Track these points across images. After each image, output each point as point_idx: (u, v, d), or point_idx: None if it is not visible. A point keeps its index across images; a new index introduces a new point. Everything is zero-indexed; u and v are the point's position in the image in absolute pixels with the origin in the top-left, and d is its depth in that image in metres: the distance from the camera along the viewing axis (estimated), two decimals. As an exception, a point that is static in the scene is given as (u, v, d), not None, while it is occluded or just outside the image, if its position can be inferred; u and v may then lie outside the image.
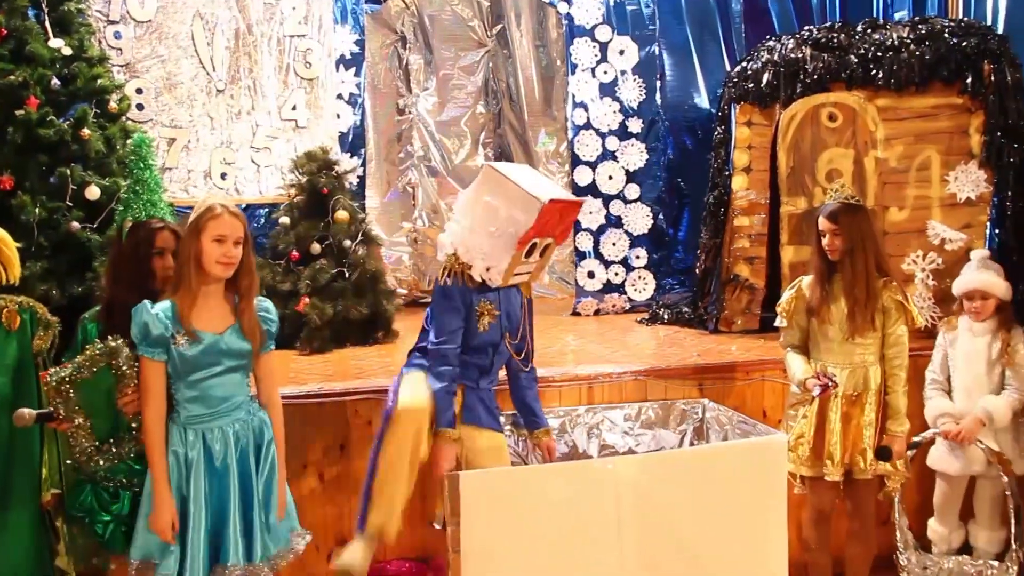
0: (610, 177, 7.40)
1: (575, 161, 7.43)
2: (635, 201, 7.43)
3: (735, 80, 6.34)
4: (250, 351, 3.30)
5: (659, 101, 7.55)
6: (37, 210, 4.84)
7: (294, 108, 6.99)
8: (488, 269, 3.71)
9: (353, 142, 7.41)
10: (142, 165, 3.59)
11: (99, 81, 5.35)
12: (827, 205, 4.15)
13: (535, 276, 3.98)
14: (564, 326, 6.92)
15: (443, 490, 3.62)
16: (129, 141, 3.72)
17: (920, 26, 5.82)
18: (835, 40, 5.94)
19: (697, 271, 6.69)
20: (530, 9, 8.30)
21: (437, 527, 3.71)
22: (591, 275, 7.42)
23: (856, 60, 5.80)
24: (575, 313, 7.38)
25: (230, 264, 3.21)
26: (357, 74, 7.42)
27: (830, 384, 4.00)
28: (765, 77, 6.03)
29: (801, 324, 4.26)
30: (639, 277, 7.45)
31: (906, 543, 4.63)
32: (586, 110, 7.41)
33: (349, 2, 7.35)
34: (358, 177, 7.15)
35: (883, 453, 4.07)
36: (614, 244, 7.42)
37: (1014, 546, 4.40)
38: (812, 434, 4.16)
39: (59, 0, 5.38)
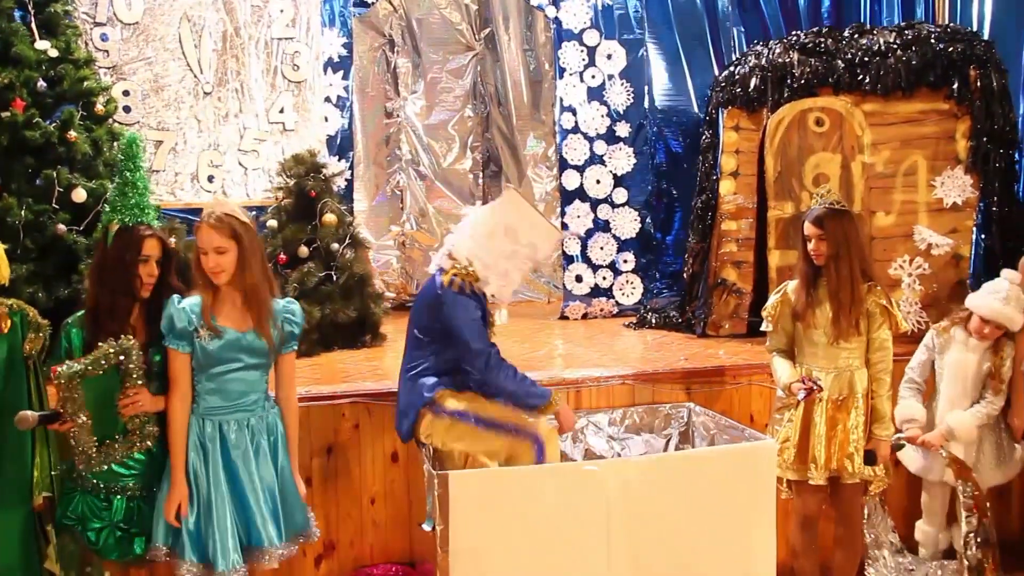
0: (598, 181, 7.40)
1: (563, 165, 7.44)
2: (623, 205, 7.44)
3: (723, 84, 6.36)
4: (267, 351, 3.42)
5: (647, 105, 7.55)
6: (23, 212, 4.83)
7: (282, 111, 6.97)
8: (502, 287, 3.86)
9: (341, 145, 7.40)
10: (131, 166, 3.53)
11: (86, 83, 5.34)
12: (812, 210, 4.16)
13: None
14: (552, 330, 6.92)
15: (432, 490, 3.63)
16: (119, 140, 3.66)
17: (907, 31, 5.85)
18: (822, 45, 5.97)
19: (685, 275, 6.70)
20: (518, 13, 8.32)
21: (426, 529, 3.71)
22: (579, 279, 7.42)
23: (843, 65, 5.82)
24: (563, 317, 7.38)
25: (218, 273, 3.32)
26: (345, 77, 7.41)
27: (815, 388, 4.00)
28: (753, 82, 6.05)
29: (787, 328, 4.27)
30: (627, 281, 7.46)
31: (879, 544, 4.63)
32: (574, 114, 7.41)
33: (337, 5, 7.34)
34: (346, 180, 7.15)
35: (869, 457, 4.08)
36: (602, 248, 7.43)
37: (963, 551, 4.40)
38: (797, 438, 4.17)
39: (45, 2, 5.37)
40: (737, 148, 6.15)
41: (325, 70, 7.23)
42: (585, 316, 7.39)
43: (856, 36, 6.00)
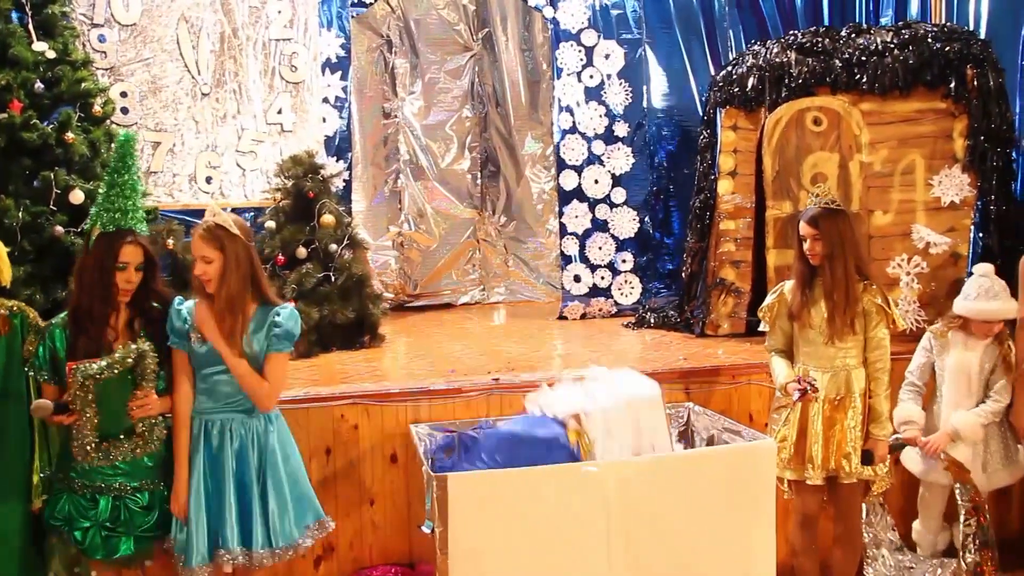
0: (596, 181, 7.40)
1: (561, 165, 7.44)
2: (621, 205, 7.44)
3: (720, 84, 6.36)
4: (255, 355, 3.50)
5: (645, 105, 7.56)
6: (21, 214, 4.81)
7: (280, 112, 6.96)
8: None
9: (339, 146, 7.39)
10: (122, 167, 3.50)
11: (83, 84, 5.33)
12: (808, 210, 4.16)
13: None
14: (550, 330, 6.92)
15: (431, 492, 3.63)
16: (114, 140, 3.63)
17: (903, 31, 5.85)
18: (820, 44, 5.97)
19: (683, 275, 6.70)
20: (516, 13, 8.32)
21: (426, 530, 3.71)
22: (577, 279, 7.42)
23: (840, 64, 5.82)
24: (561, 317, 7.37)
25: (205, 280, 3.45)
26: (343, 78, 7.40)
27: (809, 389, 4.00)
28: (750, 81, 6.05)
29: (784, 328, 4.28)
30: (625, 281, 7.46)
31: (878, 542, 4.63)
32: (572, 114, 7.41)
33: (335, 6, 7.33)
34: (344, 181, 7.14)
35: (867, 457, 4.08)
36: (600, 248, 7.42)
37: (960, 553, 4.40)
38: (795, 438, 4.17)
39: (43, 3, 5.35)
40: (735, 148, 6.14)
41: (323, 71, 7.22)
42: (584, 316, 7.39)
43: (853, 35, 6.00)
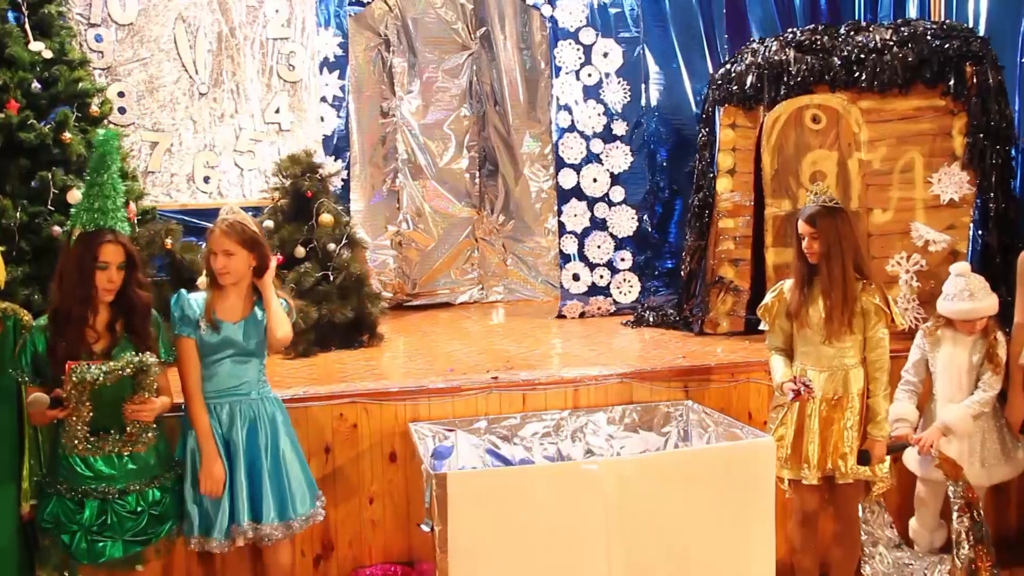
0: (595, 180, 7.40)
1: (559, 164, 7.43)
2: (620, 203, 7.43)
3: (719, 82, 6.35)
4: (258, 342, 3.72)
5: (643, 104, 7.55)
6: (18, 214, 4.82)
7: (277, 111, 6.96)
8: None
9: (337, 145, 7.38)
10: (101, 166, 3.48)
11: (80, 84, 5.32)
12: (806, 208, 4.16)
13: None
14: (549, 329, 6.91)
15: (430, 490, 3.63)
16: (95, 138, 3.59)
17: (903, 28, 5.85)
18: (818, 42, 5.96)
19: (682, 273, 6.69)
20: (514, 12, 8.30)
21: (425, 529, 3.71)
22: (576, 278, 7.41)
23: (839, 62, 5.81)
24: (560, 316, 7.36)
25: (223, 274, 3.65)
26: (341, 77, 7.40)
27: (803, 391, 3.99)
28: (749, 79, 6.04)
29: (783, 327, 4.27)
30: (624, 279, 7.45)
31: (875, 540, 4.63)
32: (570, 113, 7.40)
33: (332, 5, 7.32)
34: (342, 180, 7.12)
35: (863, 457, 4.07)
36: (599, 247, 7.42)
37: (955, 551, 4.40)
38: (792, 437, 4.16)
39: (39, 3, 5.35)
40: (734, 146, 6.14)
41: (321, 70, 7.22)
42: (583, 315, 7.38)
43: (852, 33, 5.99)
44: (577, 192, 7.39)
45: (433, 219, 8.45)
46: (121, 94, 6.49)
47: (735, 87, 6.12)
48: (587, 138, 7.40)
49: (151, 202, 5.99)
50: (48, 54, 5.22)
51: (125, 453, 3.44)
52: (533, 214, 8.50)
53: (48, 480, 3.46)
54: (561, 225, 7.43)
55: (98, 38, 6.45)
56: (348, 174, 7.49)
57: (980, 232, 5.72)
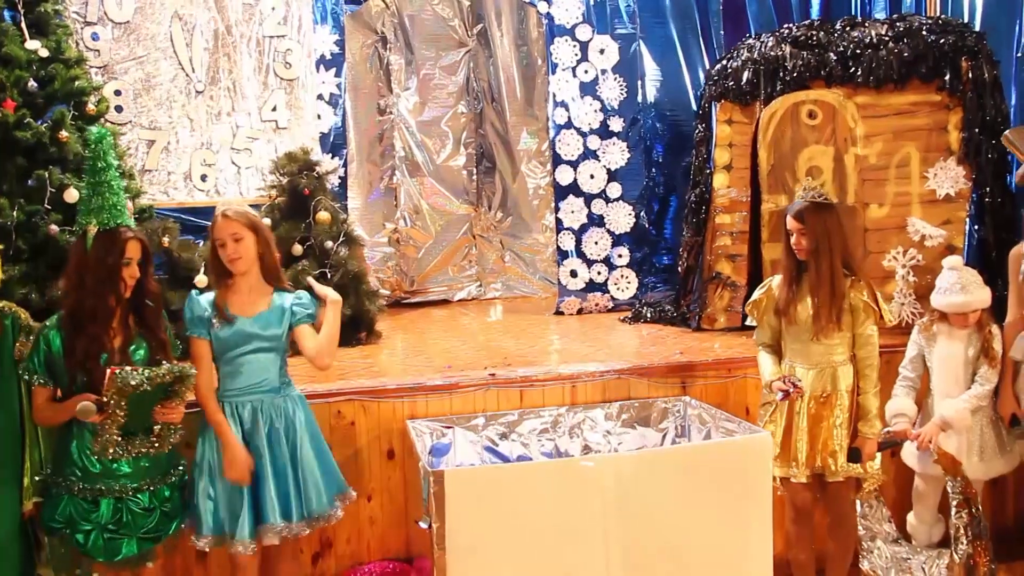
0: (592, 176, 7.40)
1: (556, 160, 7.43)
2: (617, 200, 7.43)
3: (715, 78, 6.36)
4: (277, 335, 3.70)
5: (640, 100, 7.54)
6: (15, 213, 4.81)
7: (274, 109, 6.95)
8: None
9: (334, 143, 7.37)
10: (103, 164, 3.49)
11: (77, 83, 5.31)
12: (794, 204, 4.15)
13: None
14: (547, 325, 6.92)
15: (428, 487, 3.63)
16: (89, 136, 3.60)
17: (898, 24, 5.85)
18: (814, 38, 5.97)
19: (679, 269, 6.70)
20: (510, 8, 8.32)
21: (423, 526, 3.71)
22: (574, 274, 7.42)
23: (835, 58, 5.82)
24: (558, 312, 7.37)
25: (235, 260, 3.62)
26: (337, 74, 7.39)
27: (792, 390, 4.00)
28: (745, 75, 6.05)
29: (771, 323, 4.26)
30: (622, 276, 7.45)
31: (873, 535, 4.64)
32: (567, 109, 7.40)
33: (329, 2, 7.31)
34: (339, 178, 7.12)
35: (854, 455, 4.06)
36: (596, 243, 7.42)
37: (952, 546, 4.41)
38: (781, 435, 4.16)
39: (36, 1, 5.33)
40: (730, 142, 6.15)
41: (317, 68, 7.21)
42: (580, 311, 7.39)
43: (848, 28, 6.00)
44: (574, 188, 7.39)
45: (431, 216, 8.46)
46: (118, 92, 6.48)
47: (731, 83, 6.12)
48: (584, 134, 7.40)
49: (148, 200, 5.98)
50: (44, 52, 5.20)
51: (153, 454, 3.46)
52: (530, 211, 8.51)
53: (56, 479, 3.45)
54: (558, 221, 7.44)
55: (94, 36, 6.44)
56: (345, 171, 7.48)
57: (976, 227, 5.73)
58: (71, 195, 4.92)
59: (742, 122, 6.11)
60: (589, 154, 7.41)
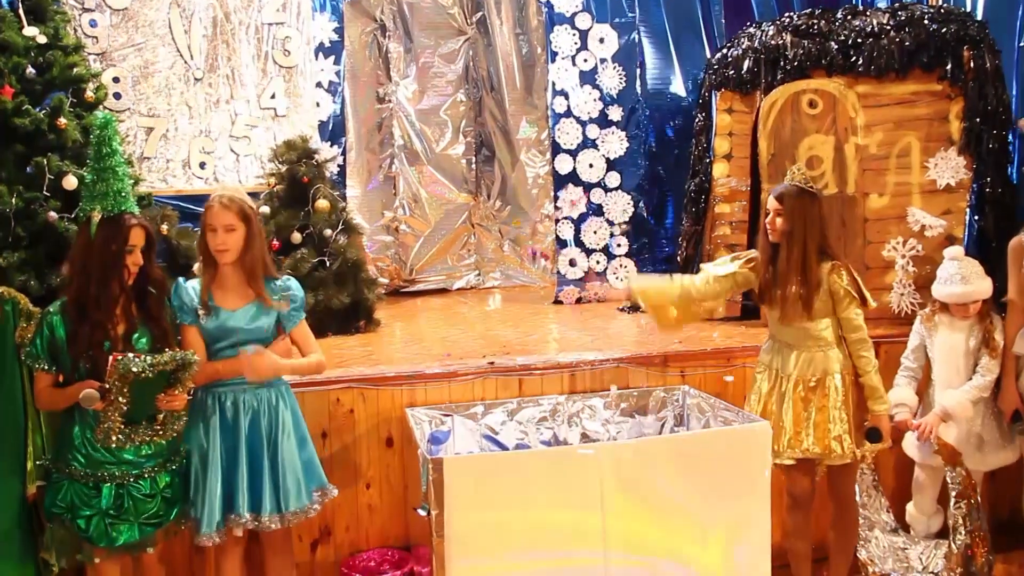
0: (591, 165, 7.38)
1: (556, 149, 7.41)
2: (616, 189, 7.42)
3: (715, 67, 6.34)
4: (264, 328, 3.67)
5: (639, 89, 7.52)
6: (14, 200, 4.79)
7: (273, 96, 6.93)
8: None
9: (333, 131, 7.36)
10: (108, 150, 3.49)
11: (75, 70, 5.29)
12: (779, 186, 4.14)
13: None
14: (546, 314, 6.92)
15: (427, 475, 3.63)
16: (94, 122, 3.60)
17: (900, 13, 5.83)
18: (815, 27, 5.95)
19: (678, 259, 6.69)
20: (510, -3, 8.29)
21: (422, 514, 3.71)
22: (572, 263, 7.41)
23: (836, 47, 5.80)
24: (557, 301, 7.37)
25: (223, 251, 3.57)
26: (336, 62, 7.37)
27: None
28: (746, 64, 6.04)
29: (736, 280, 4.22)
30: (620, 265, 7.45)
31: (871, 524, 4.65)
32: (566, 98, 7.38)
33: (327, -10, 7.30)
34: (338, 166, 7.11)
35: (873, 435, 4.05)
36: (595, 232, 7.41)
37: (951, 536, 4.42)
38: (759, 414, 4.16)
39: (33, -12, 5.31)
40: (730, 131, 6.14)
41: (316, 55, 7.20)
42: (579, 300, 7.39)
43: (849, 17, 5.98)
44: (573, 177, 7.38)
45: (429, 205, 8.45)
46: (116, 79, 6.46)
47: (732, 72, 6.11)
48: (583, 123, 7.38)
49: (147, 188, 5.97)
50: (42, 39, 5.18)
51: (156, 442, 3.46)
52: (529, 200, 8.49)
53: (58, 465, 3.45)
54: (557, 211, 7.42)
55: (92, 23, 6.42)
56: (344, 160, 7.47)
57: (976, 217, 5.71)
58: (70, 182, 4.91)
59: (742, 111, 6.10)
60: (588, 143, 7.40)
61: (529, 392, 4.73)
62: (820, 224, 4.06)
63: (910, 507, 4.87)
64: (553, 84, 7.42)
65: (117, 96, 6.44)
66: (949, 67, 5.58)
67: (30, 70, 5.06)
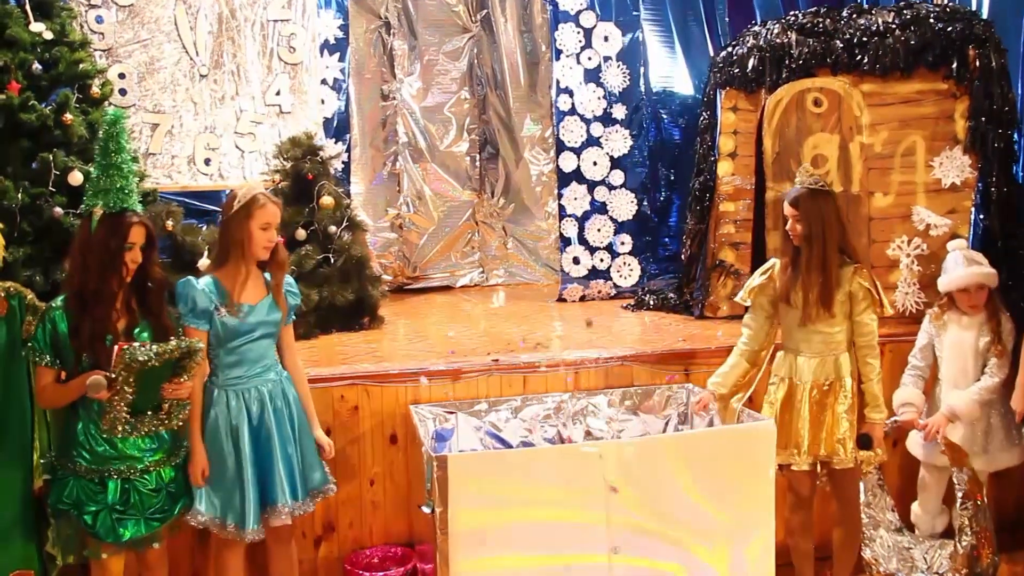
0: (595, 163, 7.39)
1: (560, 147, 7.41)
2: (620, 187, 7.42)
3: (720, 65, 6.34)
4: (277, 320, 3.76)
5: (643, 87, 7.52)
6: (20, 195, 4.79)
7: (278, 93, 6.93)
8: None
9: (338, 127, 7.37)
10: (115, 147, 3.50)
11: (81, 66, 5.30)
12: (792, 190, 4.14)
13: None
14: (550, 312, 6.92)
15: (431, 472, 3.63)
16: (104, 117, 3.62)
17: (905, 11, 5.82)
18: (820, 25, 5.94)
19: (683, 257, 6.69)
20: (514, -6, 8.29)
21: (426, 511, 3.72)
22: (576, 261, 7.41)
23: (841, 45, 5.80)
24: (561, 299, 7.37)
25: (271, 247, 3.69)
26: (341, 59, 7.38)
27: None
28: (751, 62, 6.03)
29: (765, 307, 4.25)
30: (624, 263, 7.45)
31: (876, 523, 4.64)
32: (571, 96, 7.38)
33: (333, -13, 7.31)
34: (343, 163, 7.11)
35: (864, 441, 4.06)
36: (599, 230, 7.41)
37: (956, 536, 4.41)
38: (776, 420, 4.15)
39: (40, -16, 5.32)
40: (735, 129, 6.13)
41: (321, 52, 7.20)
42: (583, 298, 7.39)
43: (854, 16, 5.97)
44: (577, 175, 7.38)
45: (433, 202, 8.45)
46: (122, 75, 6.47)
47: (737, 70, 6.11)
48: (587, 121, 7.38)
49: (152, 184, 5.98)
50: (49, 35, 5.19)
51: (162, 431, 3.48)
52: (533, 197, 8.50)
53: (63, 462, 3.46)
54: (561, 208, 7.42)
55: (99, 19, 6.42)
56: (348, 157, 7.48)
57: (981, 216, 5.71)
58: (75, 178, 4.92)
59: (747, 109, 6.09)
60: (592, 141, 7.39)
61: (533, 390, 4.73)
62: (838, 219, 4.08)
63: (915, 507, 4.87)
64: (557, 82, 7.42)
65: (123, 92, 6.45)
66: (955, 66, 5.58)
67: (36, 66, 5.07)
